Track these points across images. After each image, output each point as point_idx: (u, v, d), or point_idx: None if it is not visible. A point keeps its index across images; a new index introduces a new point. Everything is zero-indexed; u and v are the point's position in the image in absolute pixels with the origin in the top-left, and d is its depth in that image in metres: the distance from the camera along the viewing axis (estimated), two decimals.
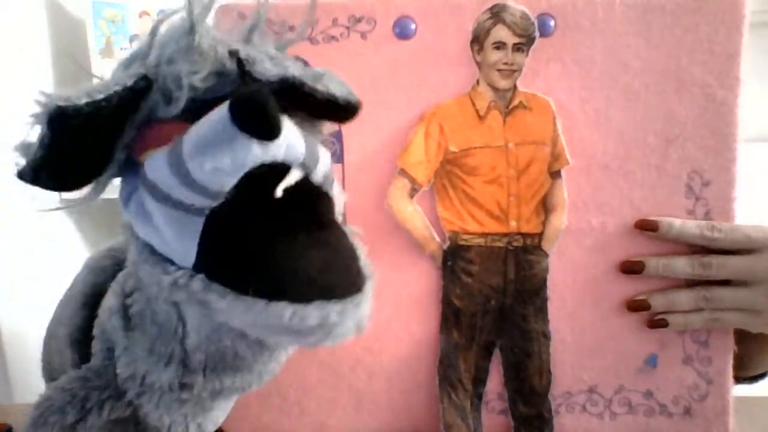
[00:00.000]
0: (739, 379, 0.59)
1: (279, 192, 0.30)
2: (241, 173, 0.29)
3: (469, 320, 0.58)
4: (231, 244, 0.30)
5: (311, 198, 0.32)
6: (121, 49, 1.06)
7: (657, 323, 0.56)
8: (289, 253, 0.30)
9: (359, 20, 0.57)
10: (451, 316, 0.58)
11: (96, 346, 0.43)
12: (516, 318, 0.58)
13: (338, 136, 0.58)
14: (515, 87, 0.56)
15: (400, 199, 0.58)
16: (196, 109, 0.32)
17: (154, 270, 0.33)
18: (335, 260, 0.31)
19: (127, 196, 0.33)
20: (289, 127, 0.30)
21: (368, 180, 0.58)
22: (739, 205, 0.56)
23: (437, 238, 0.58)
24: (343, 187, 0.58)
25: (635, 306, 0.57)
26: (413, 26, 0.56)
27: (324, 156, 0.33)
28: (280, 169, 0.30)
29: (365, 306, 0.32)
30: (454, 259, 0.58)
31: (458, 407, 0.58)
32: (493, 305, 0.58)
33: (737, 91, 0.55)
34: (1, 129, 0.93)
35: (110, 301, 0.42)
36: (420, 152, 0.57)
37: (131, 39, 1.07)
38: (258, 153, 0.29)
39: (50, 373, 0.53)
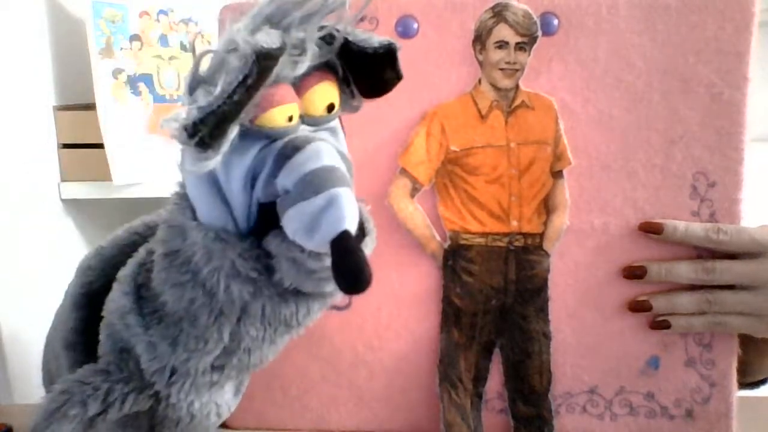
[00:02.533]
0: (739, 385, 0.59)
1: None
2: None
3: (469, 320, 0.58)
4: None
5: None
6: (121, 49, 1.06)
7: (659, 324, 0.56)
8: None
9: (362, 19, 0.57)
10: (451, 316, 0.58)
11: (105, 348, 0.43)
12: (516, 318, 0.58)
13: None
14: (518, 86, 0.56)
15: (401, 198, 0.57)
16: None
17: (233, 251, 0.36)
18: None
19: (247, 169, 0.36)
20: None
21: (369, 179, 0.58)
22: (744, 206, 0.56)
23: (438, 238, 0.58)
24: None
25: (637, 307, 0.56)
26: (416, 25, 0.56)
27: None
28: None
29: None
30: (454, 258, 0.58)
31: (459, 406, 0.58)
32: (493, 305, 0.58)
33: (745, 91, 0.54)
34: (1, 128, 0.93)
35: (119, 301, 0.42)
36: (421, 152, 0.57)
37: (131, 39, 1.06)
38: None
39: (50, 381, 0.53)
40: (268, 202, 0.36)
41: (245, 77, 0.30)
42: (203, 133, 0.30)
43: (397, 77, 0.39)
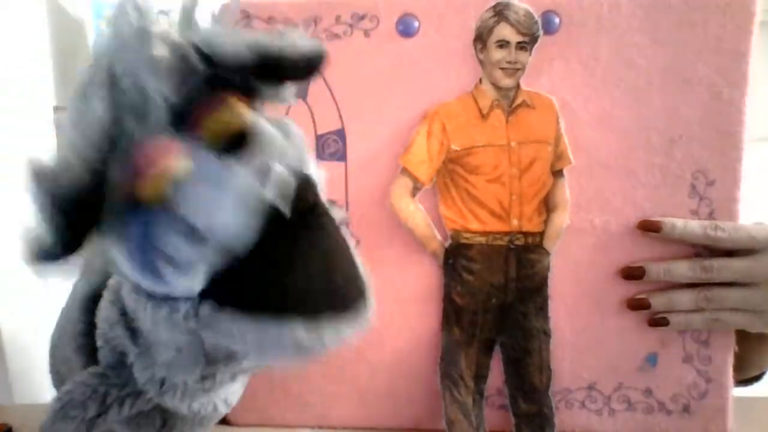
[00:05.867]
0: (734, 382, 0.59)
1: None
2: None
3: (470, 318, 0.58)
4: (232, 266, 0.29)
5: (298, 197, 0.31)
6: None
7: (658, 322, 0.57)
8: (290, 263, 0.29)
9: (362, 18, 0.57)
10: (452, 314, 0.59)
11: (104, 355, 0.42)
12: (517, 316, 0.58)
13: (341, 135, 0.58)
14: (518, 85, 0.56)
15: (402, 197, 0.58)
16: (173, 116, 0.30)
17: (160, 311, 0.32)
18: (335, 267, 0.31)
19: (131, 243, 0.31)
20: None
21: (371, 179, 0.58)
22: (743, 205, 0.56)
23: (439, 237, 0.58)
24: (346, 185, 0.58)
25: (635, 305, 0.57)
26: (416, 24, 0.56)
27: (293, 147, 0.32)
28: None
29: (371, 311, 0.31)
30: (455, 257, 0.58)
31: (460, 404, 0.58)
32: (494, 303, 0.58)
33: (745, 90, 0.54)
34: (1, 128, 0.93)
35: (107, 311, 0.41)
36: (422, 151, 0.57)
37: None
38: None
39: (61, 383, 0.53)
40: None
41: (56, 227, 0.28)
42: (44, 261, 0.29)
43: (304, 64, 0.32)
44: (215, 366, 0.38)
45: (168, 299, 0.32)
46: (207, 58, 0.30)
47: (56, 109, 1.06)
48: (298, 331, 0.28)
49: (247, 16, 0.57)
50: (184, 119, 0.31)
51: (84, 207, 0.28)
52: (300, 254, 0.29)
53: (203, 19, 0.34)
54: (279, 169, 0.29)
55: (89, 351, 0.45)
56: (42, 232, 0.28)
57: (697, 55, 0.55)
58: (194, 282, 0.30)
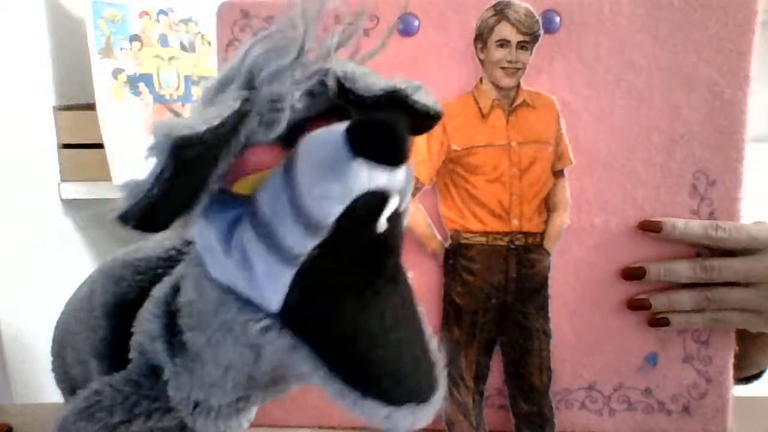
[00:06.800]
0: (734, 380, 0.59)
1: (383, 223, 0.30)
2: (347, 202, 0.28)
3: (470, 318, 0.58)
4: (318, 305, 0.31)
5: (386, 253, 0.34)
6: (121, 49, 1.06)
7: (658, 322, 0.57)
8: (379, 342, 0.31)
9: None
10: (452, 314, 0.59)
11: (136, 363, 0.42)
12: (517, 316, 0.58)
13: None
14: (519, 85, 0.56)
15: None
16: (287, 132, 0.31)
17: (241, 315, 0.33)
18: (417, 356, 0.32)
19: (223, 235, 0.32)
20: None
21: None
22: (744, 205, 0.56)
23: (439, 237, 0.58)
24: None
25: (636, 305, 0.57)
26: (416, 23, 0.56)
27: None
28: (378, 199, 0.29)
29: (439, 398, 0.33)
30: (455, 257, 0.58)
31: (460, 404, 0.58)
32: (494, 303, 0.58)
33: (747, 90, 0.54)
34: (1, 128, 0.93)
35: (149, 324, 0.40)
36: (422, 151, 0.57)
37: (131, 39, 1.07)
38: (365, 180, 0.28)
39: (69, 383, 0.52)
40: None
41: (161, 171, 0.28)
42: (134, 224, 0.28)
43: (428, 116, 0.34)
44: (254, 390, 0.39)
45: (251, 304, 0.32)
46: (344, 89, 0.32)
47: (56, 109, 1.06)
48: (380, 412, 0.30)
49: (246, 16, 0.57)
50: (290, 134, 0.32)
51: (192, 177, 0.29)
52: (393, 336, 0.32)
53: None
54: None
55: (111, 357, 0.45)
56: (148, 193, 0.28)
57: (699, 55, 0.54)
58: (277, 289, 0.31)
